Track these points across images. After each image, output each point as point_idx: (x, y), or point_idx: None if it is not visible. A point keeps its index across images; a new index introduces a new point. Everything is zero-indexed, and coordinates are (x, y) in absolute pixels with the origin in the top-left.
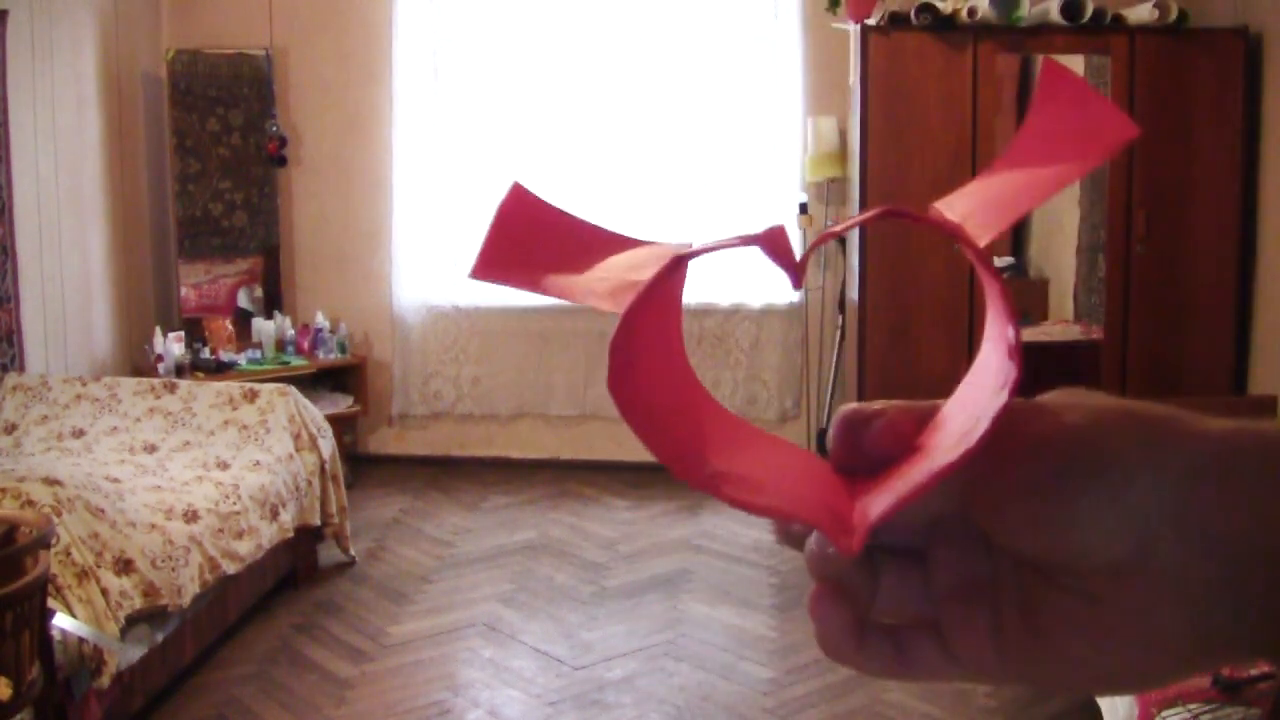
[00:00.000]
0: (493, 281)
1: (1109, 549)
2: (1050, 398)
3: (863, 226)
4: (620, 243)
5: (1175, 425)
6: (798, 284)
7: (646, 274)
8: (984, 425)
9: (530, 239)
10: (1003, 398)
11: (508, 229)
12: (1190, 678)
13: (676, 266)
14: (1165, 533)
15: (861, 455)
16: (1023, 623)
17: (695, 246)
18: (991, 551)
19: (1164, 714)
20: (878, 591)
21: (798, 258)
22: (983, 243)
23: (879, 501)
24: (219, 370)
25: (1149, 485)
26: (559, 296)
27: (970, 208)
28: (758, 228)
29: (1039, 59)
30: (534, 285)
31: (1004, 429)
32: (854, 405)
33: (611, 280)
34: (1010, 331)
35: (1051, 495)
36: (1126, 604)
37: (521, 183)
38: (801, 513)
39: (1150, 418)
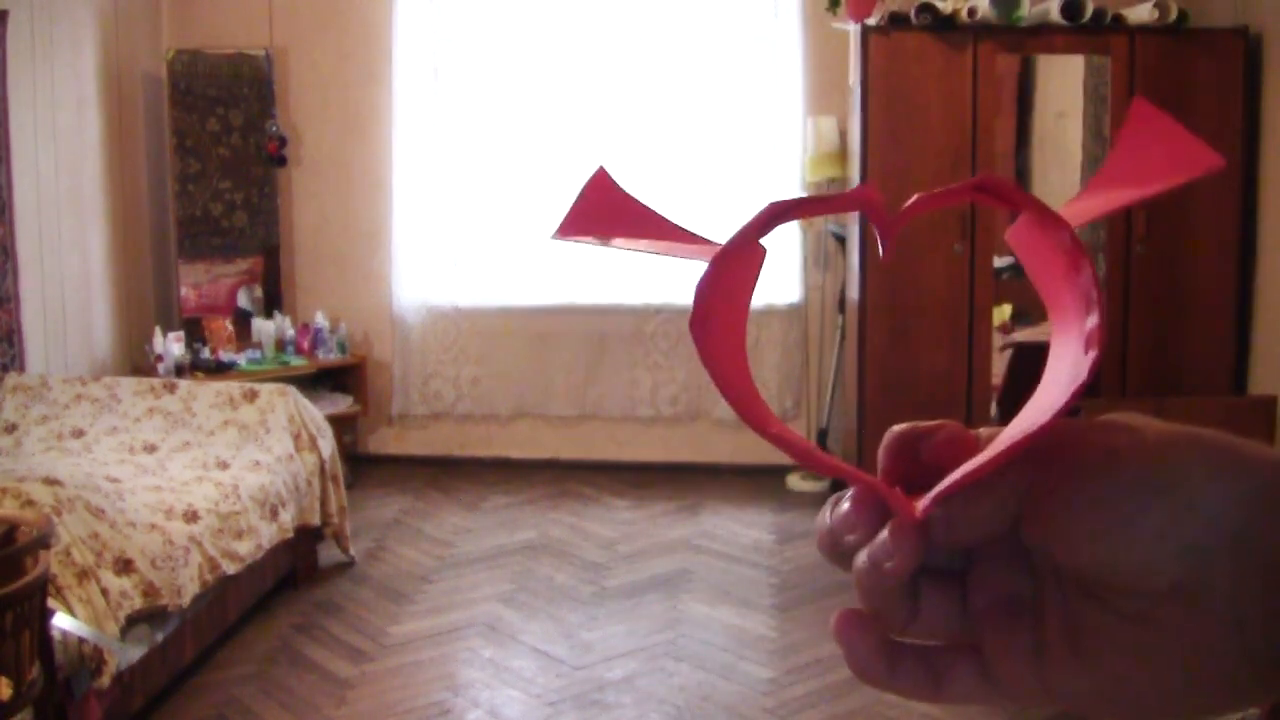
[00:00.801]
0: (573, 239)
1: (1169, 569)
2: (1111, 418)
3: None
4: (693, 237)
5: (1241, 452)
6: (888, 250)
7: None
8: (1062, 399)
9: (609, 214)
10: (1082, 374)
11: (592, 201)
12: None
13: (772, 216)
14: (1223, 558)
15: (917, 468)
16: (1066, 644)
17: (784, 200)
18: (1034, 571)
19: None
20: (917, 612)
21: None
22: (1074, 224)
23: (946, 481)
24: (219, 370)
25: (1213, 509)
26: (640, 250)
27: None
28: (849, 189)
29: (1038, 59)
30: (619, 241)
31: (1074, 441)
32: (908, 424)
33: (693, 244)
34: (1091, 320)
35: (1121, 509)
36: (1177, 628)
37: (606, 168)
38: (864, 476)
39: (1217, 443)
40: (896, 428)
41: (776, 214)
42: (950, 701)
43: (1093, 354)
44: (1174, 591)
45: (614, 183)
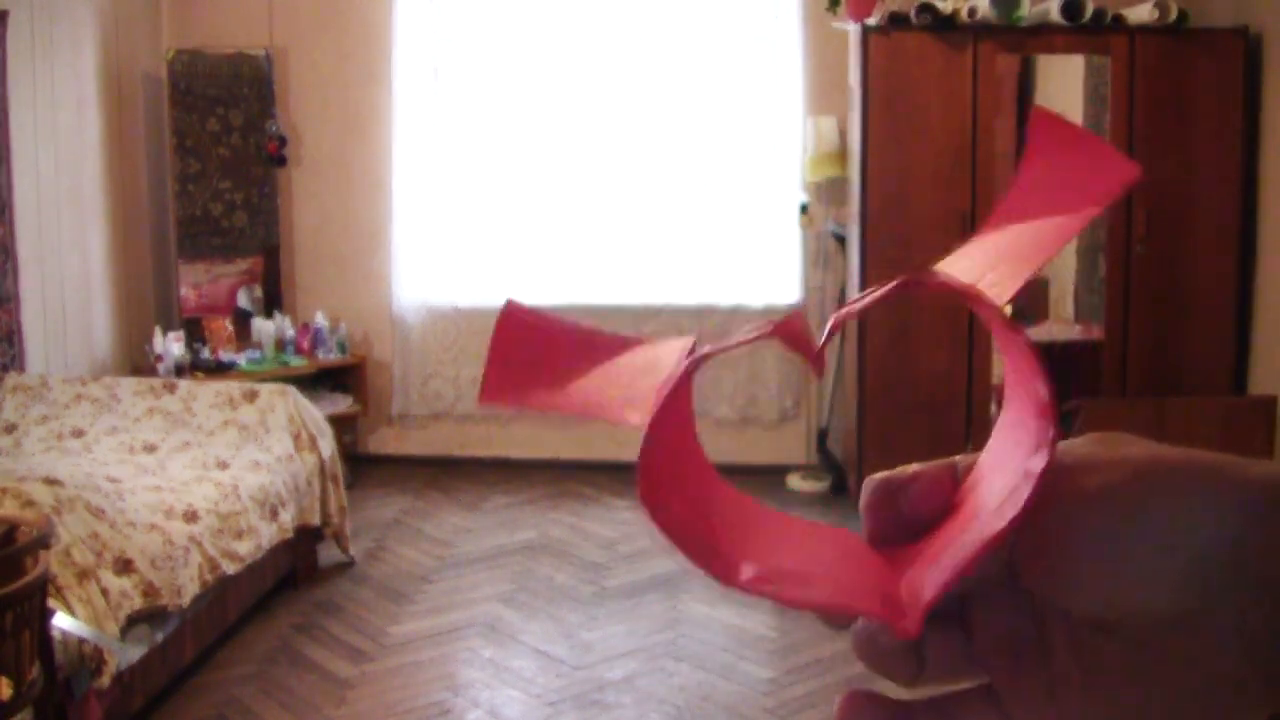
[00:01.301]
0: (505, 405)
1: (1165, 602)
2: (1088, 448)
3: (878, 294)
4: (622, 344)
5: (1222, 472)
6: (819, 373)
7: (658, 377)
8: (1026, 490)
9: (534, 354)
10: (1041, 460)
11: (510, 348)
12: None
13: (692, 372)
14: (1224, 580)
15: (900, 523)
16: (1080, 679)
17: (708, 349)
18: (1035, 607)
19: None
20: (925, 663)
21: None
22: (1002, 302)
23: (930, 577)
24: (219, 370)
25: (1204, 535)
26: (576, 414)
27: (979, 266)
28: (775, 319)
29: (1038, 59)
30: (548, 404)
31: (1049, 487)
32: (884, 474)
33: (624, 390)
34: (1042, 389)
35: (1106, 554)
36: (1188, 652)
37: (515, 300)
38: (853, 602)
39: (1196, 466)
40: (873, 480)
41: (699, 363)
42: None
43: (1051, 429)
44: (1181, 619)
45: (527, 313)
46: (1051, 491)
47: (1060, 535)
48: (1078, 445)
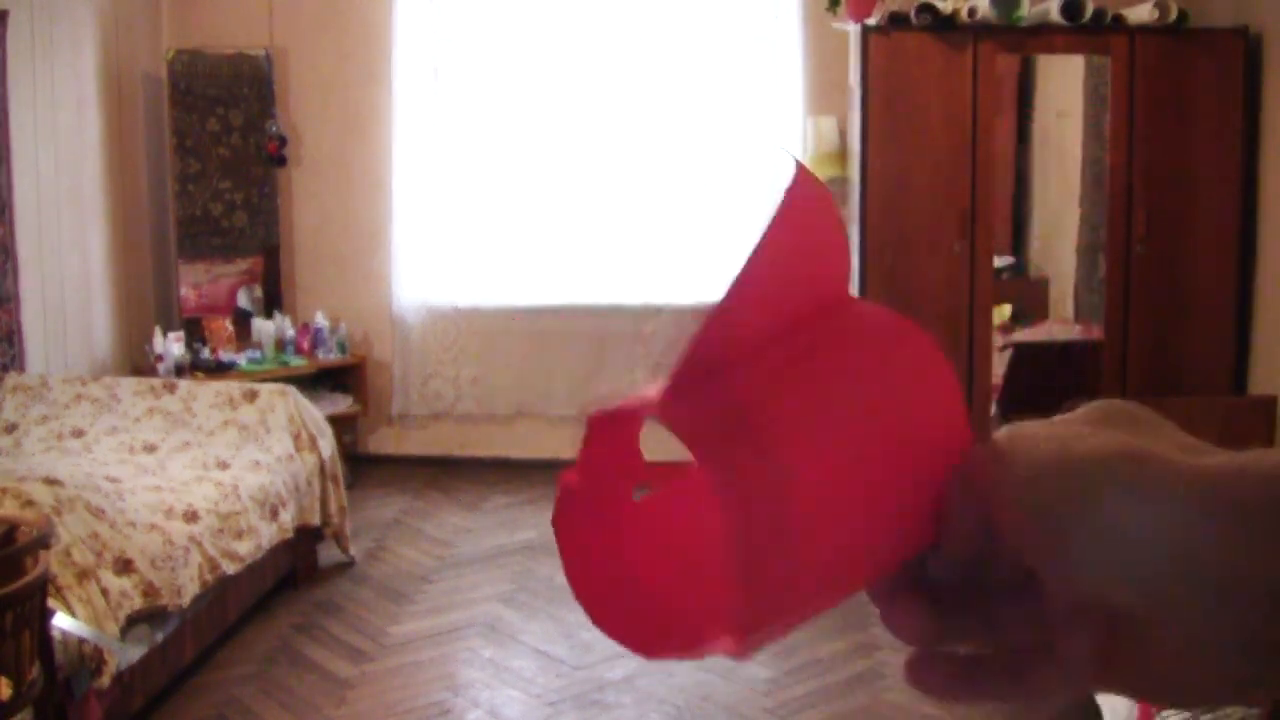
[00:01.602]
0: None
1: (1120, 593)
2: (1079, 420)
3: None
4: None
5: (1169, 468)
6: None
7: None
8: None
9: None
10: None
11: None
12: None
13: (605, 423)
14: (1184, 577)
15: None
16: (1092, 657)
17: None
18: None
19: (1164, 714)
20: (1004, 632)
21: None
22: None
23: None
24: (219, 370)
25: (1151, 534)
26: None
27: None
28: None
29: (1038, 59)
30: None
31: (1018, 475)
32: None
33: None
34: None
35: (1054, 547)
36: (1188, 652)
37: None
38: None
39: (1142, 460)
40: None
41: (603, 421)
42: (1030, 696)
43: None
44: (1151, 610)
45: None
46: (993, 488)
47: (1013, 526)
48: (1072, 424)
